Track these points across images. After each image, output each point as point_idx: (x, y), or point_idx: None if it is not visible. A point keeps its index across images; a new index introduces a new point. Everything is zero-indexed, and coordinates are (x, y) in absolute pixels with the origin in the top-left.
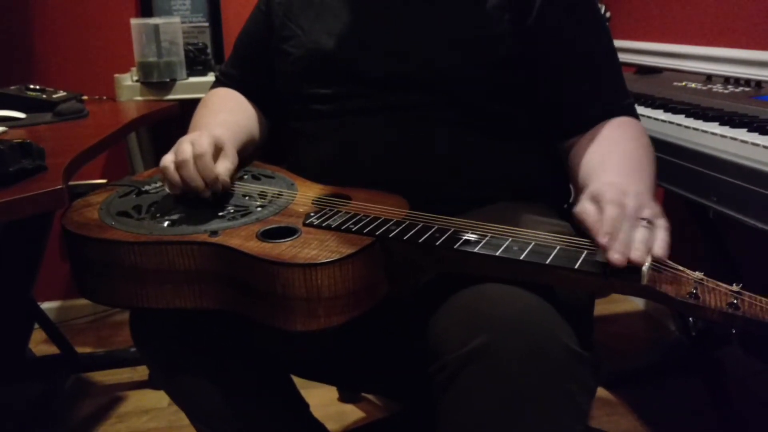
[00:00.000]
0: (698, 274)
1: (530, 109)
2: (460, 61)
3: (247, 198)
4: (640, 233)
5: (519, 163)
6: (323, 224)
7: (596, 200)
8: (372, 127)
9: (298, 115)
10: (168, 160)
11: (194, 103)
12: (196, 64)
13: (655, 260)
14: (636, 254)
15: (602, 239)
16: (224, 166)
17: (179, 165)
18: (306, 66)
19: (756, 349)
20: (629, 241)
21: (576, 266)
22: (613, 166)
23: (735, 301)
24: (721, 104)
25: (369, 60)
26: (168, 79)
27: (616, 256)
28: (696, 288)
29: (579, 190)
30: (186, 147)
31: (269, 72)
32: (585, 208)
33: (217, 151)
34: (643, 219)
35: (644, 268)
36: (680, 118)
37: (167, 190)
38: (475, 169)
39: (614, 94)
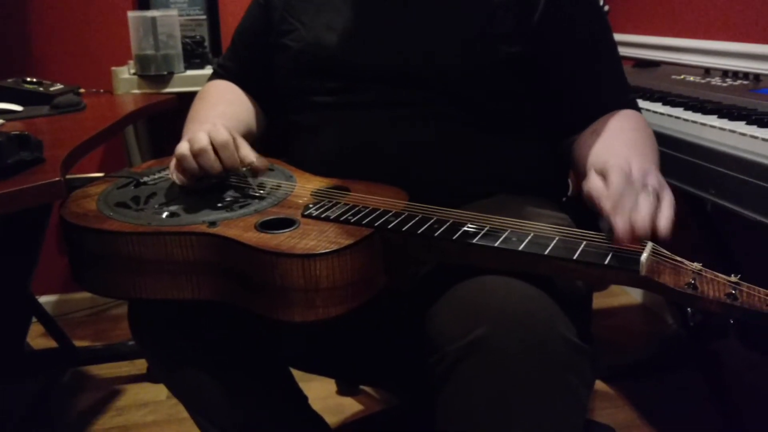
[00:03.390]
0: (697, 265)
1: (531, 105)
2: (461, 59)
3: (246, 189)
4: (645, 201)
5: (518, 157)
6: (322, 215)
7: (602, 173)
8: (371, 122)
9: (298, 108)
10: (184, 148)
11: (192, 96)
12: (193, 57)
13: (655, 251)
14: (639, 226)
15: (607, 205)
16: (251, 152)
17: (197, 153)
18: (306, 60)
19: (754, 341)
20: (634, 208)
21: (575, 257)
22: (617, 149)
23: (733, 292)
24: (719, 97)
25: (369, 55)
26: (165, 72)
27: (620, 224)
28: (694, 278)
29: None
30: (202, 136)
31: (267, 65)
32: (592, 182)
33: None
34: (648, 187)
35: (643, 259)
36: (679, 111)
37: (176, 179)
38: (474, 163)
39: (617, 90)
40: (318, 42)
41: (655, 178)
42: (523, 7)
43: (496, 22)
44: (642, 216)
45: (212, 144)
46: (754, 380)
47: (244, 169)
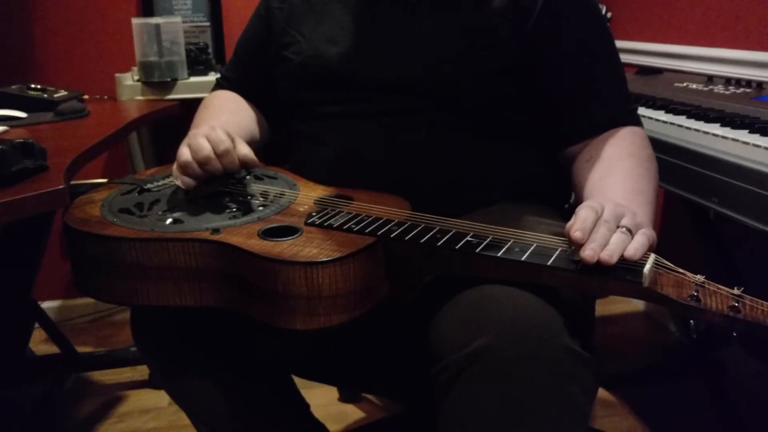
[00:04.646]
0: (700, 277)
1: (531, 114)
2: (460, 68)
3: (249, 197)
4: (616, 236)
5: (519, 165)
6: (325, 224)
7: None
8: (373, 131)
9: (299, 118)
10: (186, 155)
11: (195, 102)
12: (197, 63)
13: (657, 262)
14: (606, 253)
15: (573, 233)
16: (246, 147)
17: (203, 161)
18: (307, 73)
19: (757, 350)
20: (603, 241)
21: (578, 267)
22: (608, 188)
23: (736, 305)
24: (722, 105)
25: (370, 66)
26: (169, 79)
27: (587, 252)
28: (697, 291)
29: None
30: (203, 142)
31: (269, 76)
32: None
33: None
34: (622, 227)
35: (646, 270)
36: (681, 119)
37: (181, 185)
38: (476, 171)
39: (616, 101)
40: (318, 54)
41: (630, 219)
42: (519, 15)
43: (495, 31)
44: (610, 247)
45: (214, 150)
46: (756, 388)
47: (245, 174)
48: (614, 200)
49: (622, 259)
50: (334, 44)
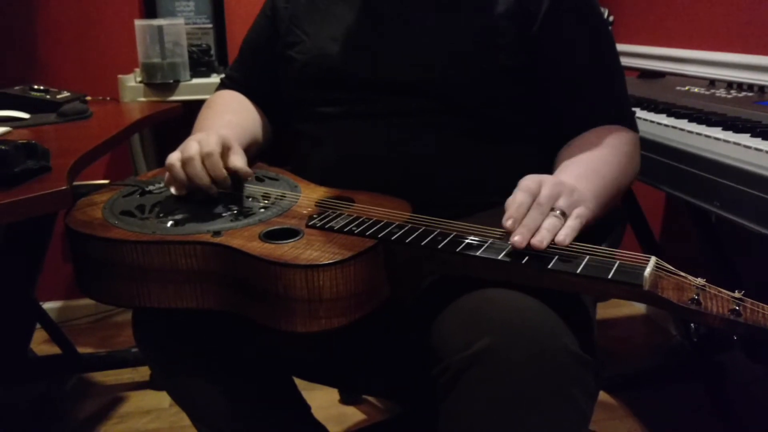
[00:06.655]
0: (700, 281)
1: (531, 116)
2: (463, 70)
3: (250, 199)
4: (548, 221)
5: (518, 166)
6: (326, 226)
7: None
8: (375, 131)
9: (302, 118)
10: (174, 157)
11: (198, 104)
12: (199, 65)
13: (658, 265)
14: (536, 239)
15: (505, 222)
16: (240, 159)
17: (185, 162)
18: (311, 72)
19: (758, 353)
20: (534, 226)
21: (578, 271)
22: (568, 167)
23: (737, 308)
24: (724, 109)
25: (373, 67)
26: (171, 81)
27: (516, 238)
28: (698, 294)
29: None
30: (192, 145)
31: (273, 76)
32: (508, 199)
33: (225, 150)
34: (556, 210)
35: (646, 273)
36: (683, 123)
37: (171, 189)
38: (475, 172)
39: (614, 104)
40: (322, 53)
41: (566, 200)
42: (524, 18)
43: (497, 33)
44: (541, 233)
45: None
46: (758, 392)
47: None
48: (555, 178)
49: (553, 245)
50: (338, 44)
